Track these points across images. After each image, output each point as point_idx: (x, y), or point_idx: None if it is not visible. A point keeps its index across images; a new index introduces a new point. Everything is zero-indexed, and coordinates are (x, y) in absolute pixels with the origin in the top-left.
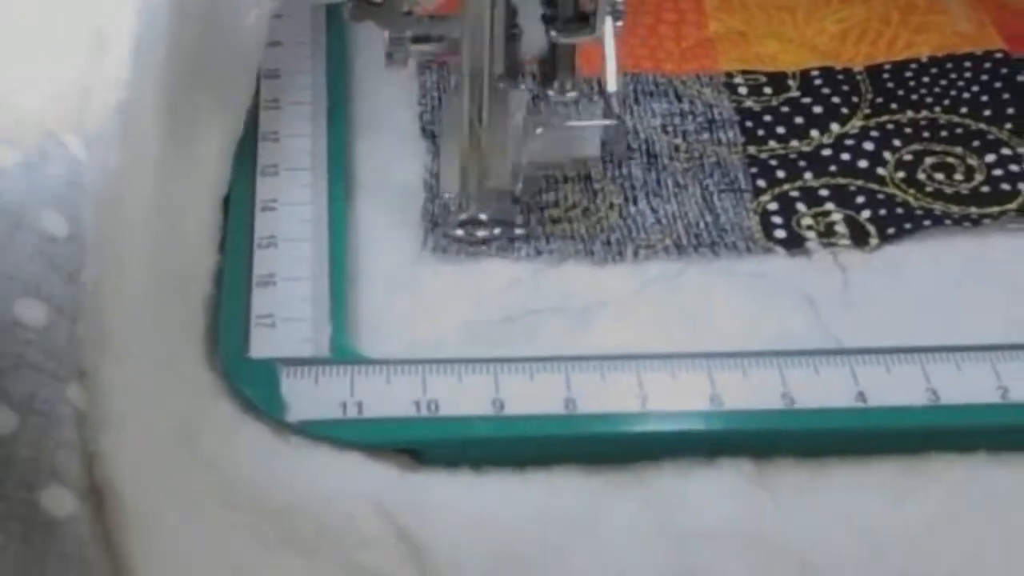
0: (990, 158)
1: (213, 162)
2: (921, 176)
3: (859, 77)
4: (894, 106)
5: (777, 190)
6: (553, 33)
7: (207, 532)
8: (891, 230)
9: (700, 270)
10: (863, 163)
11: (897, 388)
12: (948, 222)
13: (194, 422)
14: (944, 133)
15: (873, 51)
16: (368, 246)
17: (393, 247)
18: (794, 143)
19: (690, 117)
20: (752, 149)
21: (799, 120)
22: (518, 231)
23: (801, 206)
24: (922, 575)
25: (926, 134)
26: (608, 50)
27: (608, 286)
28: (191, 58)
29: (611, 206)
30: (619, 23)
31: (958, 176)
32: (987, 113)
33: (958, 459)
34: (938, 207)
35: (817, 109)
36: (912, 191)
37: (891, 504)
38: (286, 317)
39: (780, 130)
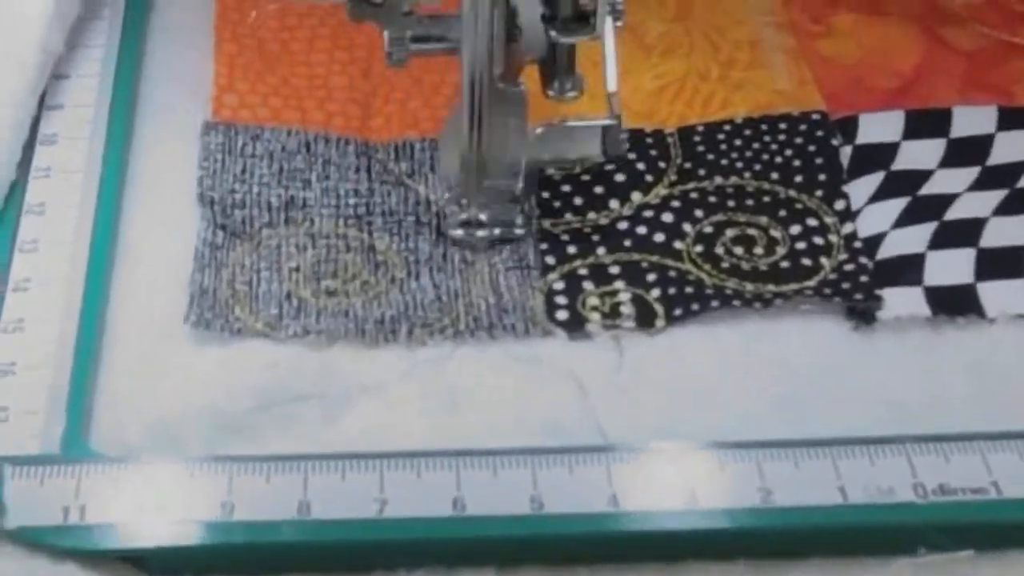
0: (795, 229)
1: None
2: (719, 250)
3: (670, 139)
4: (702, 172)
5: (566, 267)
6: (553, 33)
7: None
8: (678, 311)
9: (472, 353)
10: (660, 237)
11: (654, 489)
12: (737, 303)
13: None
14: (750, 201)
15: (687, 111)
16: (125, 323)
17: (152, 325)
18: (591, 215)
19: None
20: (547, 223)
21: (599, 190)
22: (518, 231)
23: (588, 284)
24: None
25: (731, 203)
26: (608, 50)
27: (374, 369)
28: None
29: (392, 280)
30: (619, 23)
31: (758, 250)
32: (798, 179)
33: (714, 567)
34: (731, 285)
35: (620, 177)
36: (708, 267)
37: None
38: (21, 410)
39: (578, 201)
